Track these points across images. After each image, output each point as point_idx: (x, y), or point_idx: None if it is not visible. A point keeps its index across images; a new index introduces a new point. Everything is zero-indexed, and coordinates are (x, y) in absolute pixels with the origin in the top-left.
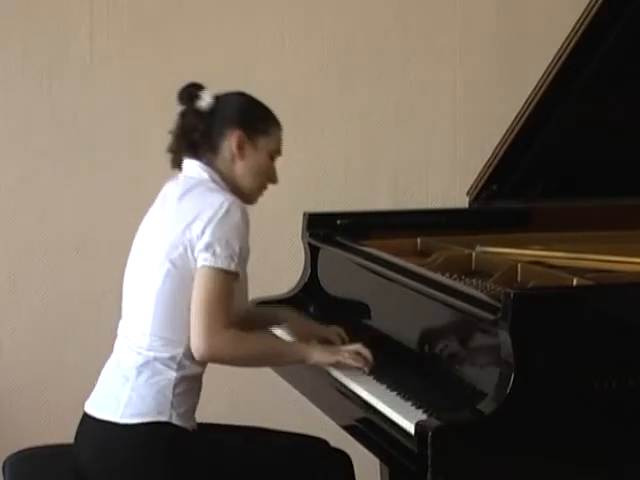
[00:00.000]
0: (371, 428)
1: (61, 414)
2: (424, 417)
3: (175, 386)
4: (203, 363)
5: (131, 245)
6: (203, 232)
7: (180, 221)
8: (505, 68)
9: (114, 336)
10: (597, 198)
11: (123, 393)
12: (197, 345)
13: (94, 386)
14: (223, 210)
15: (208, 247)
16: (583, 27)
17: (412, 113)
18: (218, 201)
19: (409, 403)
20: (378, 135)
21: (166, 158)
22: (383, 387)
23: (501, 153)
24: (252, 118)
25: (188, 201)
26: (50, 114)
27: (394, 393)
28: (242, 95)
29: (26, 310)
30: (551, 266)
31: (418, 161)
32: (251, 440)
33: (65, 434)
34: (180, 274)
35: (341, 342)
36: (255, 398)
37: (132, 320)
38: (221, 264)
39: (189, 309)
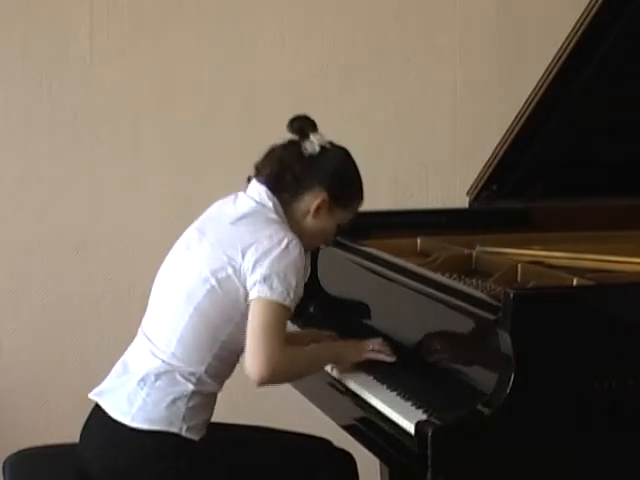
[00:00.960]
0: (371, 428)
1: (61, 414)
2: (424, 417)
3: (189, 399)
4: (221, 383)
5: (131, 244)
6: (259, 263)
7: (234, 243)
8: (505, 68)
9: (114, 336)
10: (597, 198)
11: (137, 397)
12: (258, 373)
13: (94, 386)
14: (283, 245)
15: (266, 279)
16: (583, 27)
17: (412, 113)
18: (278, 235)
19: (409, 403)
20: (378, 135)
21: (164, 157)
22: (383, 387)
23: (501, 153)
24: (343, 190)
25: (247, 225)
26: (50, 114)
27: (394, 393)
28: (345, 156)
29: (26, 310)
30: (551, 266)
31: (418, 161)
32: (255, 440)
33: (65, 434)
34: (223, 295)
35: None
36: (255, 398)
37: (160, 324)
38: (277, 297)
39: (220, 332)
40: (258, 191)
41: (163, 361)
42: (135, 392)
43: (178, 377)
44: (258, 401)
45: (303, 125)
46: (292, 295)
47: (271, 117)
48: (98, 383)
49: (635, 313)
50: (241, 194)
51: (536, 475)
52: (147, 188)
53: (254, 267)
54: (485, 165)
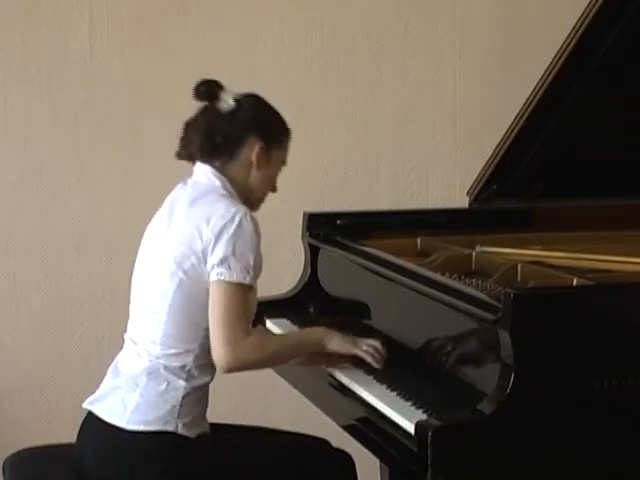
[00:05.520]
0: (371, 428)
1: (61, 414)
2: (424, 417)
3: (184, 397)
4: (211, 373)
5: (131, 244)
6: (216, 244)
7: (191, 230)
8: (505, 68)
9: (114, 336)
10: (597, 198)
11: (131, 399)
12: (222, 358)
13: (94, 386)
14: (236, 222)
15: (223, 261)
16: (583, 27)
17: (412, 113)
18: (230, 212)
19: (409, 403)
20: (378, 135)
21: (164, 157)
22: (383, 387)
23: (501, 153)
24: (272, 128)
25: (198, 209)
26: (50, 114)
27: (394, 393)
28: (259, 100)
29: (26, 310)
30: (551, 266)
31: (418, 161)
32: (253, 440)
33: (65, 434)
34: (193, 285)
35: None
36: (255, 398)
37: (142, 327)
38: (236, 278)
39: (200, 319)
40: (204, 171)
41: (151, 361)
42: (128, 395)
43: (168, 375)
44: (258, 401)
45: (209, 88)
46: (252, 272)
47: None
48: (98, 383)
49: (635, 313)
50: (189, 181)
51: (536, 475)
52: (147, 188)
53: (213, 248)
54: (485, 165)
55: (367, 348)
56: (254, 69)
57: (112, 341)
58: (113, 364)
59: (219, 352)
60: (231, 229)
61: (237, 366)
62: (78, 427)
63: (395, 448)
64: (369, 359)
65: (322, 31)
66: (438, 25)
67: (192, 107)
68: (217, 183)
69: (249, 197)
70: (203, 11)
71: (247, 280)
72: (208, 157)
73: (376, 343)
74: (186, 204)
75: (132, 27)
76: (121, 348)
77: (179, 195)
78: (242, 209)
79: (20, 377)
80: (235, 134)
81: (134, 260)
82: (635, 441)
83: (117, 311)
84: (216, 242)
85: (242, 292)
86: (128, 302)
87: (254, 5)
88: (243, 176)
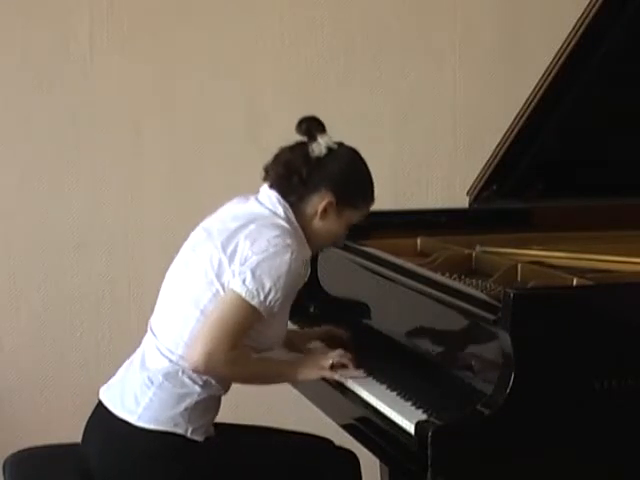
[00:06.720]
0: (371, 428)
1: (61, 414)
2: (424, 417)
3: (197, 403)
4: (229, 384)
5: (131, 244)
6: (246, 260)
7: (236, 248)
8: (505, 68)
9: (114, 336)
10: (597, 198)
11: (145, 396)
12: (194, 358)
13: (94, 386)
14: (275, 248)
15: (241, 273)
16: (583, 27)
17: (412, 113)
18: (276, 240)
19: (409, 403)
20: (378, 135)
21: (164, 157)
22: (383, 387)
23: (501, 153)
24: (350, 190)
25: (250, 231)
26: (50, 114)
27: (394, 393)
28: (353, 158)
29: (26, 310)
30: (551, 266)
31: (418, 161)
32: (257, 440)
33: (65, 434)
34: None
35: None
36: (256, 398)
37: (167, 325)
38: (244, 294)
39: None
40: (269, 196)
41: (171, 361)
42: (142, 391)
43: (185, 379)
44: (258, 401)
45: (311, 126)
46: (262, 297)
47: (271, 117)
48: (98, 383)
49: (635, 313)
50: (252, 198)
51: (536, 475)
52: (147, 188)
53: (241, 264)
54: (485, 165)
55: (334, 361)
56: (254, 69)
57: (112, 341)
58: (140, 356)
59: (195, 352)
60: (266, 253)
61: (204, 372)
62: (78, 427)
63: (395, 448)
64: (338, 377)
65: (322, 31)
66: (438, 25)
67: (192, 107)
68: (280, 210)
69: (309, 239)
70: (203, 11)
71: (254, 301)
72: (278, 190)
73: (337, 352)
74: (242, 222)
75: (132, 27)
76: (121, 348)
77: (237, 209)
78: (289, 242)
79: (20, 377)
80: (312, 182)
81: (134, 260)
82: (635, 441)
83: (117, 311)
84: (246, 259)
85: (244, 309)
86: (128, 302)
87: (254, 5)
88: (307, 220)
